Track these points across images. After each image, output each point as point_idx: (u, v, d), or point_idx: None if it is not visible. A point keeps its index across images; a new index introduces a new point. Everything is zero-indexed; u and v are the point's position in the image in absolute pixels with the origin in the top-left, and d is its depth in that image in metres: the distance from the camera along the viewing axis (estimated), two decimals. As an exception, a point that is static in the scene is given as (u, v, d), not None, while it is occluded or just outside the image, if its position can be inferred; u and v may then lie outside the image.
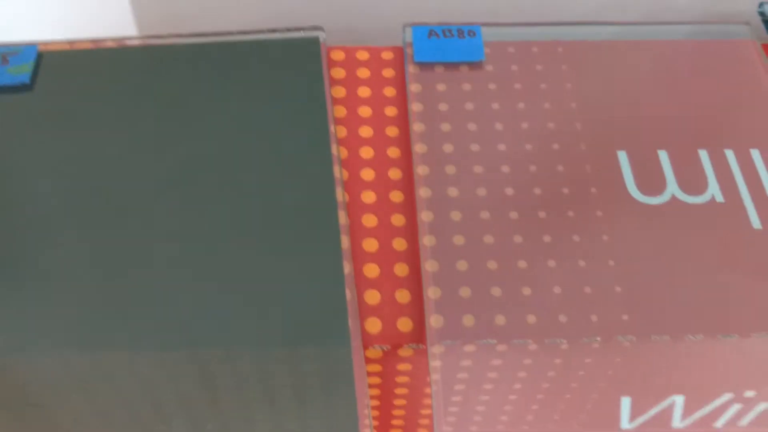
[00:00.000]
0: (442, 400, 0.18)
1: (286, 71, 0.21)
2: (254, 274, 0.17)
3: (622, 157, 0.20)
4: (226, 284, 0.17)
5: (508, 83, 0.21)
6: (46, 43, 0.21)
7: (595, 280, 0.18)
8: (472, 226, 0.18)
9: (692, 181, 0.19)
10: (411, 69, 0.21)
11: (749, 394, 0.19)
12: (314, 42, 0.22)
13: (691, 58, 0.22)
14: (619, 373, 0.18)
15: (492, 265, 0.18)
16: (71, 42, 0.21)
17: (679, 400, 0.19)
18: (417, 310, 0.17)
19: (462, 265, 0.18)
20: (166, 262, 0.17)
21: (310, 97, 0.20)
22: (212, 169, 0.19)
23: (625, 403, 0.19)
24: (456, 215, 0.18)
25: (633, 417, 0.20)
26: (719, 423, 0.20)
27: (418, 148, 0.19)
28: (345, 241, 0.18)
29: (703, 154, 0.20)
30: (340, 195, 0.19)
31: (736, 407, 0.20)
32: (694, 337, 0.17)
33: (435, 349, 0.17)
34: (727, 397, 0.19)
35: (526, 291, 0.17)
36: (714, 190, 0.20)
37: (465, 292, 0.17)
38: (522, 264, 0.18)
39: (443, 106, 0.20)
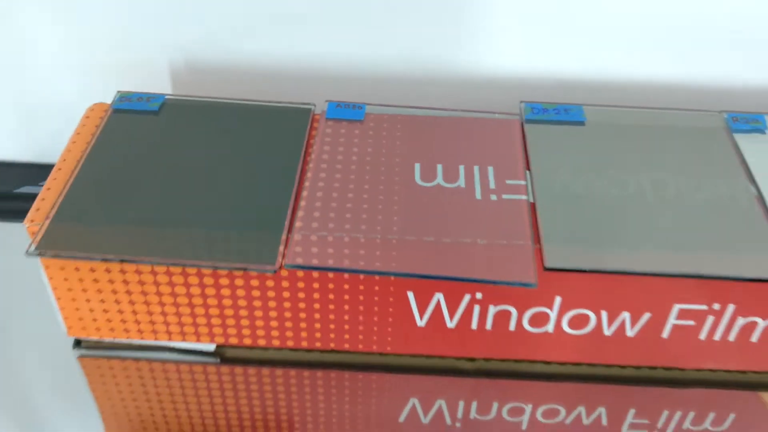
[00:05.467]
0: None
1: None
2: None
3: (417, 167, 0.42)
4: (220, 209, 0.40)
5: (375, 133, 0.44)
6: (168, 95, 0.45)
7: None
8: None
9: (451, 178, 0.41)
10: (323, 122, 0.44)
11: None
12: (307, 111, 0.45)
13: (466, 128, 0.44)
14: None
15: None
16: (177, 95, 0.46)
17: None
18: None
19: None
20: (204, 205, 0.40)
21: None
22: (220, 175, 0.42)
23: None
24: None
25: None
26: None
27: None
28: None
29: (462, 167, 0.42)
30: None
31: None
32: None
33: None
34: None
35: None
36: (461, 182, 0.41)
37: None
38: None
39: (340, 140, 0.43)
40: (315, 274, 0.38)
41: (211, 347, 0.44)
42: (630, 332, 0.41)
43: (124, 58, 0.50)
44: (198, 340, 0.43)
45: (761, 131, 0.44)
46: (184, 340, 0.43)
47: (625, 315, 0.40)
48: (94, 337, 0.43)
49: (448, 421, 0.43)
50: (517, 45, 0.49)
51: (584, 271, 0.36)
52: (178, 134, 0.43)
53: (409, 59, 0.49)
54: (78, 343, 0.44)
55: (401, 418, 0.43)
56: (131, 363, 0.44)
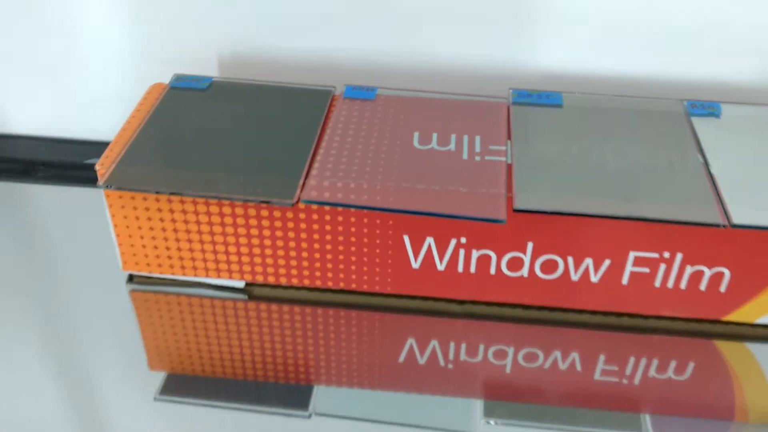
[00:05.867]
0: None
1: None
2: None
3: (416, 135, 0.50)
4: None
5: (383, 109, 0.52)
6: (215, 77, 0.55)
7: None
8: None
9: (443, 143, 0.49)
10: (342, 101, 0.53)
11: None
12: (328, 92, 0.54)
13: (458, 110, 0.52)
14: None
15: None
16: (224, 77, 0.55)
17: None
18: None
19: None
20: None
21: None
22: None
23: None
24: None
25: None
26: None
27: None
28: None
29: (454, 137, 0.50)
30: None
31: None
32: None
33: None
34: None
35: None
36: (451, 146, 0.49)
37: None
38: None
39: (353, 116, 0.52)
40: (327, 209, 0.46)
41: (240, 284, 0.52)
42: (594, 278, 0.48)
43: (179, 52, 0.61)
44: (230, 277, 0.51)
45: (716, 116, 0.51)
46: (218, 276, 0.51)
47: (588, 261, 0.47)
48: (145, 272, 0.52)
49: (441, 362, 0.50)
50: (509, 42, 0.57)
51: (548, 213, 0.44)
52: (222, 106, 0.52)
53: (416, 54, 0.59)
54: (131, 279, 0.53)
55: (401, 358, 0.50)
56: (173, 298, 0.53)
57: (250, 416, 0.45)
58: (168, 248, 0.50)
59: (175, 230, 0.49)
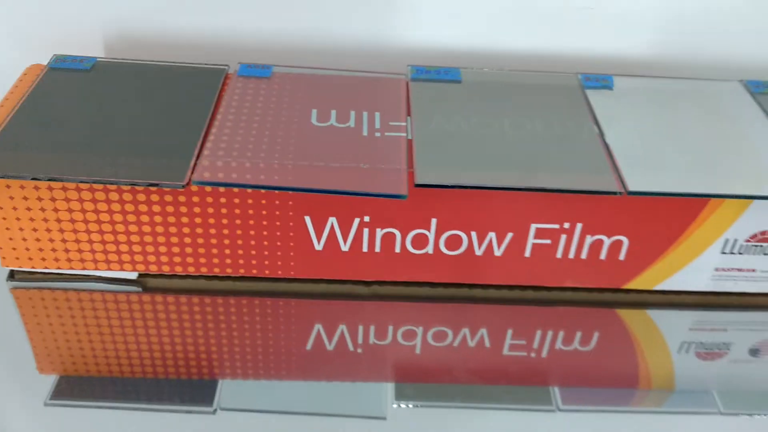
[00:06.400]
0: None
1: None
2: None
3: (314, 112, 0.48)
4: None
5: (279, 87, 0.50)
6: (100, 57, 0.52)
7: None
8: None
9: (342, 120, 0.48)
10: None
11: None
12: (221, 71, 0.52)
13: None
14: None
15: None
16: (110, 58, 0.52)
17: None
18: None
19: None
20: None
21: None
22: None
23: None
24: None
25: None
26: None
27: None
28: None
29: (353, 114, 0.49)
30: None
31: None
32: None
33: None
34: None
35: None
36: (351, 123, 0.48)
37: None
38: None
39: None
40: (221, 190, 0.44)
41: (133, 275, 0.49)
42: (497, 251, 0.48)
43: (61, 31, 0.57)
44: (121, 268, 0.48)
45: (609, 88, 0.52)
46: (108, 268, 0.48)
47: (492, 235, 0.47)
48: (27, 267, 0.48)
49: (350, 346, 0.49)
50: (409, 19, 0.57)
51: (449, 187, 0.43)
52: (106, 88, 0.49)
53: (311, 32, 0.57)
54: (12, 276, 0.49)
55: (308, 346, 0.49)
56: (61, 294, 0.49)
57: (151, 416, 0.43)
58: (52, 240, 0.47)
59: (58, 220, 0.45)
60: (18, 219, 0.45)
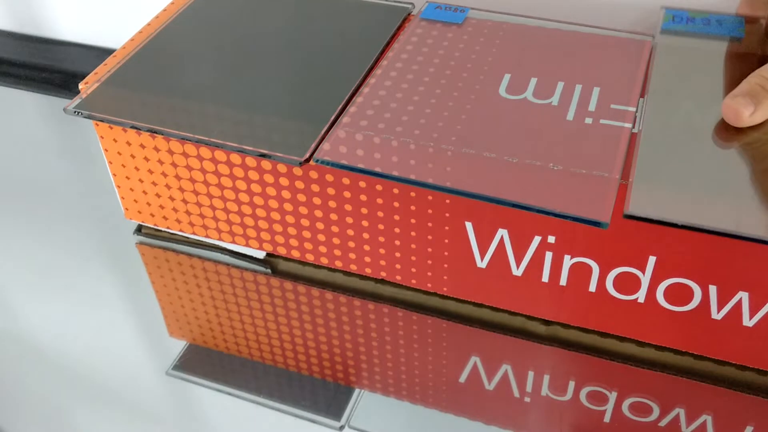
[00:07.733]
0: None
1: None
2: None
3: (506, 78, 0.35)
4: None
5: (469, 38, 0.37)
6: None
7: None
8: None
9: (543, 94, 0.33)
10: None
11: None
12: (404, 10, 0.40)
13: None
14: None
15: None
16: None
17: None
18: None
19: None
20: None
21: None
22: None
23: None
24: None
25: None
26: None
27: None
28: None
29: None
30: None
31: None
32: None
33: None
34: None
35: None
36: (553, 100, 0.33)
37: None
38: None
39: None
40: (348, 176, 0.33)
41: (260, 254, 0.40)
42: (748, 321, 0.31)
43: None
44: (247, 244, 0.40)
45: None
46: (233, 241, 0.40)
47: (743, 295, 0.31)
48: (149, 223, 0.42)
49: (516, 393, 0.36)
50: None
51: (676, 226, 0.27)
52: (262, 16, 0.40)
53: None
54: (139, 230, 0.43)
55: (461, 378, 0.37)
56: (185, 259, 0.42)
57: (271, 415, 0.36)
58: (172, 198, 0.39)
59: (178, 176, 0.38)
60: (137, 169, 0.38)
